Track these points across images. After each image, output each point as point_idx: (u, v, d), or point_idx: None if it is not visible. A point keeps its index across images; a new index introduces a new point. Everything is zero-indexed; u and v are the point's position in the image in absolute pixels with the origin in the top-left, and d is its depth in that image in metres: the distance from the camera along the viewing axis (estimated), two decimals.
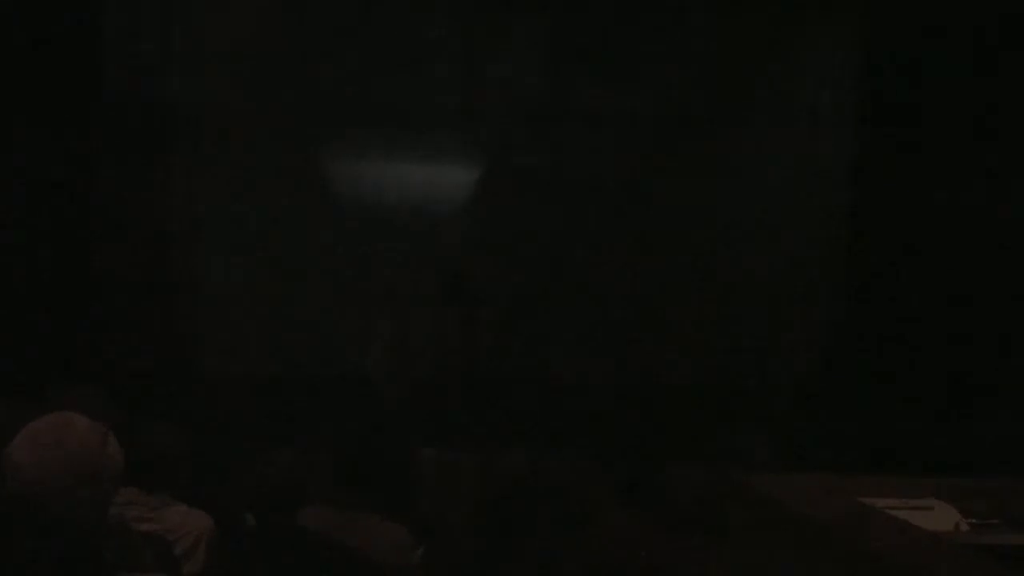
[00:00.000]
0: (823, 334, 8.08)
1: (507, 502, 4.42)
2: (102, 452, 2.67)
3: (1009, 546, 2.38)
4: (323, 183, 8.05)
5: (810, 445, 6.81)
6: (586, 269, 8.11)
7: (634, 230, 8.11)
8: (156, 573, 3.02)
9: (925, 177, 7.33)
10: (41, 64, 7.20)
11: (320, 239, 7.98)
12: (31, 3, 7.20)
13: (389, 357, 7.84)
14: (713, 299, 8.06)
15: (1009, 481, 2.68)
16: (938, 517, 2.48)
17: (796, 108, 8.17)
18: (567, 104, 8.17)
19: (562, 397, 7.71)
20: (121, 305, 7.64)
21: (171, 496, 3.99)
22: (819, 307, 8.12)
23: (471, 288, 7.98)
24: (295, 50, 7.95)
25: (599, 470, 4.85)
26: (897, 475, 2.71)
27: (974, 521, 2.50)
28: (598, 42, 8.13)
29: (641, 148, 8.12)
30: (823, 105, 8.18)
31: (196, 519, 3.95)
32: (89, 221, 7.60)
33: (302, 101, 7.98)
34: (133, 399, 4.28)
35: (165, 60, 7.88)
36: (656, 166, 8.11)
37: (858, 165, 7.92)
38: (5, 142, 7.13)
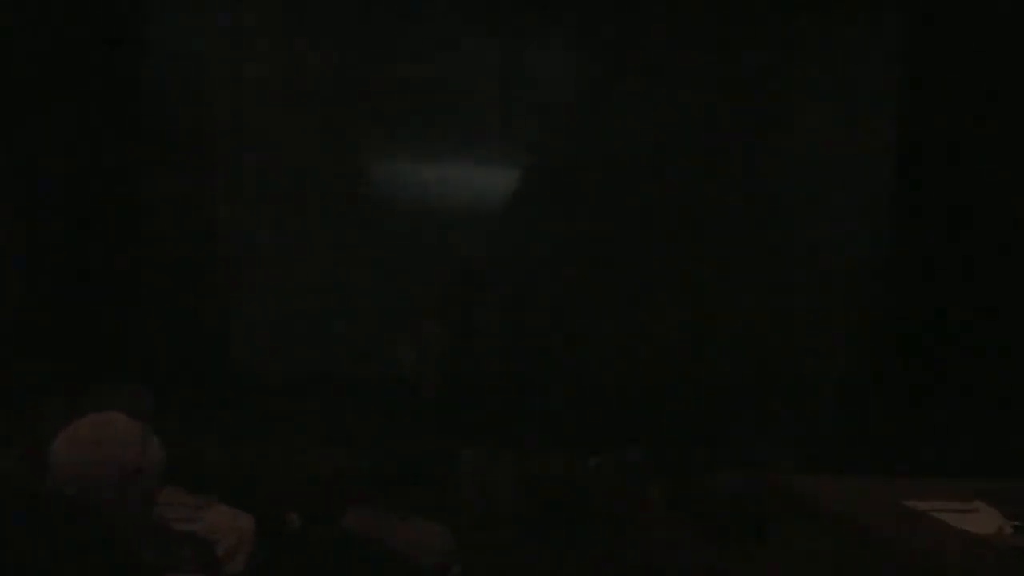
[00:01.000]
0: (866, 336, 8.02)
1: (551, 503, 4.41)
2: (143, 451, 2.68)
3: None
4: (359, 183, 8.06)
5: (853, 448, 6.76)
6: (628, 268, 8.08)
7: (675, 228, 8.07)
8: (197, 573, 3.03)
9: (974, 174, 7.26)
10: (85, 65, 7.25)
11: (362, 240, 7.99)
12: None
13: (431, 358, 7.84)
14: (755, 299, 8.00)
15: None
16: (982, 519, 2.45)
17: (838, 101, 8.10)
18: (603, 100, 8.16)
19: (604, 398, 7.68)
20: (165, 306, 7.68)
21: (214, 497, 4.00)
22: (862, 309, 8.06)
23: (495, 288, 7.96)
24: (332, 52, 7.97)
25: (645, 472, 4.84)
26: (941, 478, 2.68)
27: (1017, 524, 2.47)
28: (634, 38, 8.10)
29: (679, 144, 8.08)
30: (869, 98, 8.10)
31: (238, 520, 3.95)
32: (133, 222, 7.64)
33: (341, 104, 8.00)
34: (177, 399, 4.29)
35: (205, 59, 7.91)
36: (696, 163, 8.07)
37: (904, 161, 7.85)
38: (48, 144, 7.18)
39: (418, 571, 4.05)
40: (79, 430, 2.67)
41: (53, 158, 7.21)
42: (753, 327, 8.00)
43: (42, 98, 7.14)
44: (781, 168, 8.10)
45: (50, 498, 2.57)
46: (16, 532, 2.55)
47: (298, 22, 8.03)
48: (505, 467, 5.37)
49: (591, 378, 7.99)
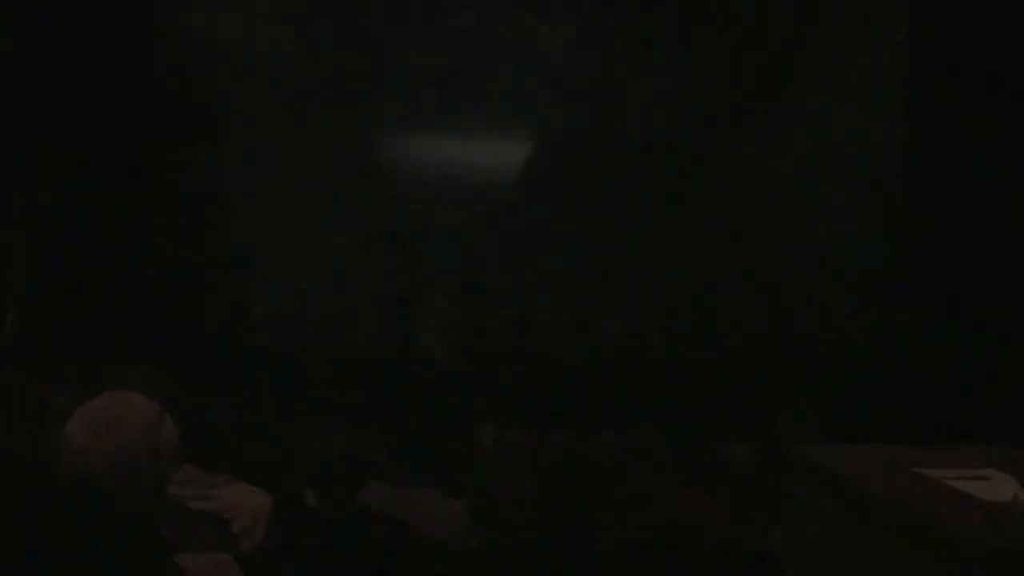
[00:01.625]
0: (879, 305, 8.00)
1: (567, 478, 4.42)
2: (158, 431, 2.69)
3: None
4: (372, 159, 8.07)
5: (866, 416, 6.75)
6: (639, 243, 8.07)
7: (686, 203, 8.06)
8: (213, 551, 3.05)
9: (984, 148, 7.24)
10: (93, 43, 7.26)
11: (375, 216, 8.00)
12: None
13: (447, 334, 7.86)
14: (768, 271, 7.99)
15: None
16: (996, 487, 2.44)
17: (849, 76, 8.07)
18: (612, 76, 8.14)
19: (618, 373, 7.69)
20: (178, 283, 7.70)
21: (230, 474, 4.02)
22: (875, 277, 8.04)
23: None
24: (338, 26, 7.97)
25: (659, 446, 4.84)
26: (954, 445, 2.68)
27: None
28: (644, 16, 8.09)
29: (690, 120, 8.07)
30: (878, 73, 8.07)
31: (254, 497, 3.97)
32: (144, 199, 7.65)
33: (351, 78, 8.00)
34: (191, 377, 4.30)
35: (210, 33, 7.92)
36: (708, 138, 8.05)
37: (915, 135, 7.82)
38: (58, 122, 7.20)
39: (435, 546, 4.08)
40: (94, 410, 2.68)
41: (62, 136, 7.22)
42: (764, 297, 7.99)
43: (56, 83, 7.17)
44: (793, 138, 8.07)
45: (65, 477, 2.59)
46: (33, 511, 2.56)
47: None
48: (520, 443, 5.38)
49: (604, 353, 7.99)
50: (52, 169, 7.20)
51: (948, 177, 7.43)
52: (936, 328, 7.29)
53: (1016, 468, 2.49)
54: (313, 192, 7.96)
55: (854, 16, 8.16)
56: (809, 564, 2.57)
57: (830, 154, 8.00)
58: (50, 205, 7.19)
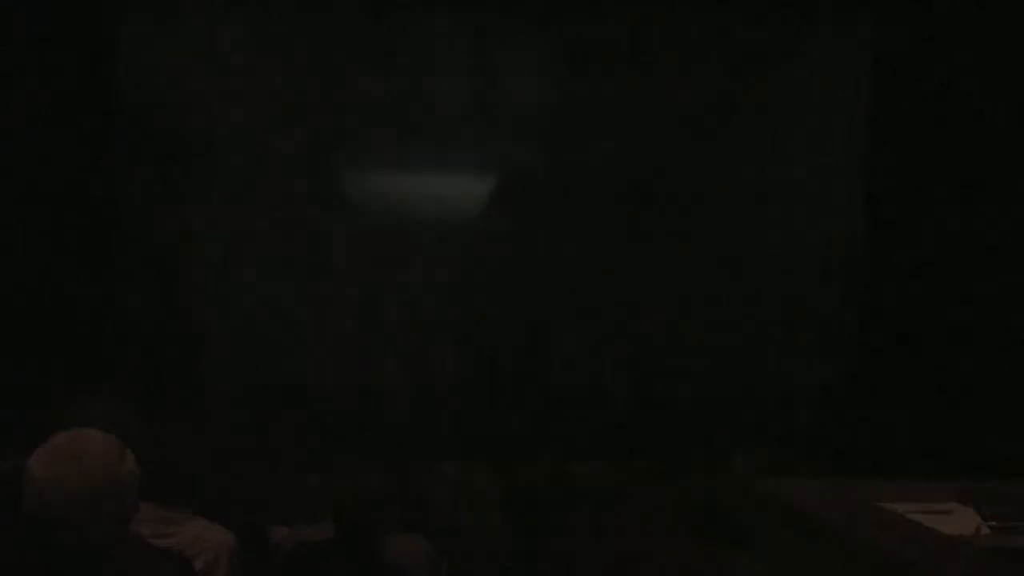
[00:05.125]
0: (842, 337, 8.03)
1: (529, 510, 4.42)
2: (119, 467, 2.68)
3: None
4: (335, 193, 8.05)
5: (830, 450, 6.78)
6: (599, 276, 8.07)
7: (647, 235, 8.08)
8: None
9: (945, 177, 7.31)
10: (57, 72, 7.23)
11: (335, 250, 7.97)
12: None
13: (406, 370, 7.85)
14: (729, 303, 8.01)
15: None
16: (958, 521, 2.46)
17: (810, 109, 8.12)
18: (577, 108, 8.15)
19: (578, 405, 7.69)
20: (138, 318, 7.66)
21: (192, 511, 4.00)
22: (838, 310, 8.07)
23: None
24: (304, 62, 7.97)
25: (624, 480, 4.85)
26: (917, 479, 2.69)
27: (994, 524, 2.48)
28: (607, 44, 8.11)
29: (653, 151, 8.09)
30: (839, 105, 8.12)
31: (216, 534, 3.95)
32: (106, 232, 7.62)
33: (314, 114, 7.99)
34: (153, 413, 4.28)
35: (177, 71, 7.90)
36: (669, 169, 8.08)
37: (876, 165, 7.88)
38: (19, 150, 7.16)
39: None
40: (55, 446, 2.66)
41: (24, 164, 7.18)
42: (726, 329, 8.00)
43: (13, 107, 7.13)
44: (753, 169, 8.10)
45: (26, 515, 2.57)
46: None
47: (271, 32, 8.02)
48: (484, 478, 5.37)
49: (565, 387, 7.98)
50: (8, 196, 7.15)
51: (906, 216, 7.49)
52: (899, 363, 7.33)
53: (978, 502, 2.51)
54: (274, 225, 7.93)
55: (820, 47, 8.21)
56: None
57: (791, 191, 8.04)
58: (5, 233, 7.14)
